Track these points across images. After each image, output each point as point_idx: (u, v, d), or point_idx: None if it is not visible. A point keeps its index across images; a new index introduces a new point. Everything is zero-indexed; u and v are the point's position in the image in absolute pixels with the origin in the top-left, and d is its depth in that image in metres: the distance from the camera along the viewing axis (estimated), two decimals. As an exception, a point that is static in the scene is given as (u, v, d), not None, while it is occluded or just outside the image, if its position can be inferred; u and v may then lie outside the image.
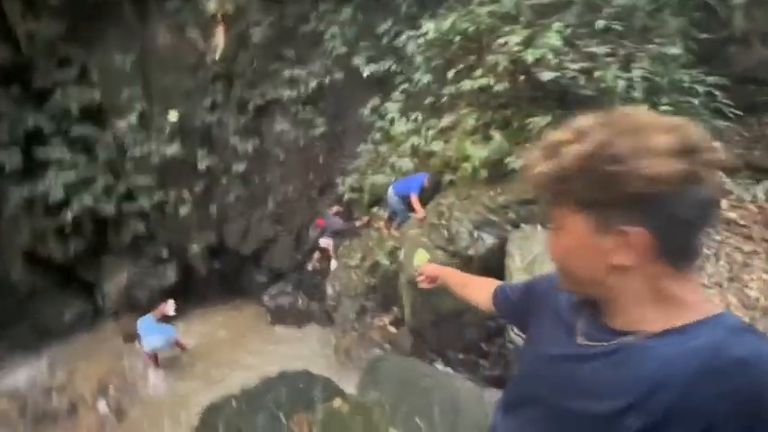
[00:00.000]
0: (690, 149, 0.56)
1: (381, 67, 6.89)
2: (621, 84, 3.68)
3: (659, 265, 0.60)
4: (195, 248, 7.62)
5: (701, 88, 3.82)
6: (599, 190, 0.59)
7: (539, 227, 4.21)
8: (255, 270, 8.42)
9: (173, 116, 7.12)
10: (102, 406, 5.72)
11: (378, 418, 2.27)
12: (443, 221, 4.80)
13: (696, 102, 3.80)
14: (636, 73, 3.71)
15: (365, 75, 6.88)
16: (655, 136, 0.56)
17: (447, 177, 5.21)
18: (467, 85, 4.75)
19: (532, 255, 3.81)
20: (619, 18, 4.05)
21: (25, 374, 6.64)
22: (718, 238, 3.41)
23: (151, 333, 6.21)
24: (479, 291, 1.15)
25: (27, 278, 7.26)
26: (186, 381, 6.16)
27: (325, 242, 7.16)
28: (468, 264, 4.39)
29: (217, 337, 7.21)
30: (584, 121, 0.62)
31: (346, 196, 7.20)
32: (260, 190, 7.84)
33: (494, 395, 2.79)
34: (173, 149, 7.04)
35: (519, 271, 3.79)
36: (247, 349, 6.75)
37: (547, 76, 3.90)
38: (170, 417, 5.38)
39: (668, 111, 3.85)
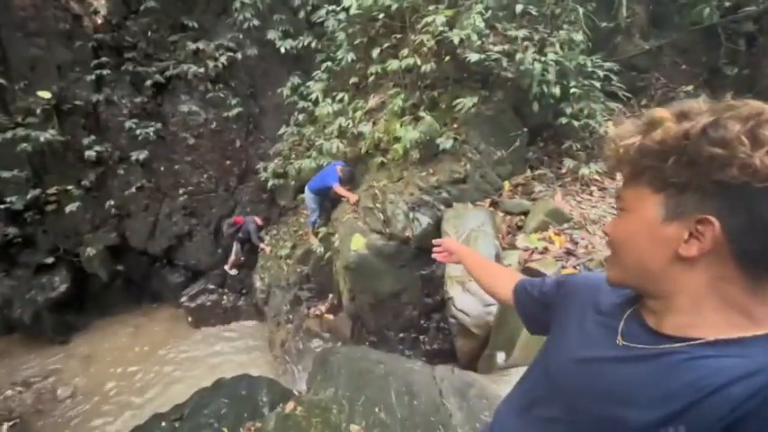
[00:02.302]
0: None
1: (299, 43, 6.47)
2: (538, 67, 3.93)
3: (730, 267, 0.55)
4: (90, 251, 6.52)
5: (601, 72, 4.25)
6: (690, 172, 0.55)
7: (470, 205, 4.39)
8: (169, 270, 7.56)
9: (44, 94, 5.87)
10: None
11: (336, 416, 2.17)
12: (378, 205, 4.76)
13: (598, 85, 4.22)
14: (550, 57, 3.98)
15: (282, 51, 6.40)
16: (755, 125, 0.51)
17: (377, 159, 5.14)
18: (393, 64, 4.67)
19: (466, 232, 3.97)
20: (532, 3, 4.29)
21: None
22: None
23: None
24: (498, 278, 1.10)
25: None
26: (98, 406, 5.34)
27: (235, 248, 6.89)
28: (404, 245, 4.44)
29: (130, 348, 6.35)
30: (693, 103, 0.58)
31: (270, 183, 6.75)
32: (167, 180, 6.96)
33: (443, 372, 2.87)
34: (48, 135, 5.83)
35: (455, 249, 3.92)
36: (170, 359, 6.07)
37: (474, 57, 3.98)
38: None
39: (575, 93, 4.24)
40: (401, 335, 4.86)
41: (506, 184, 4.66)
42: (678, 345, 0.58)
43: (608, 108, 4.74)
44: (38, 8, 5.76)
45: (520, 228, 4.27)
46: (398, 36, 5.01)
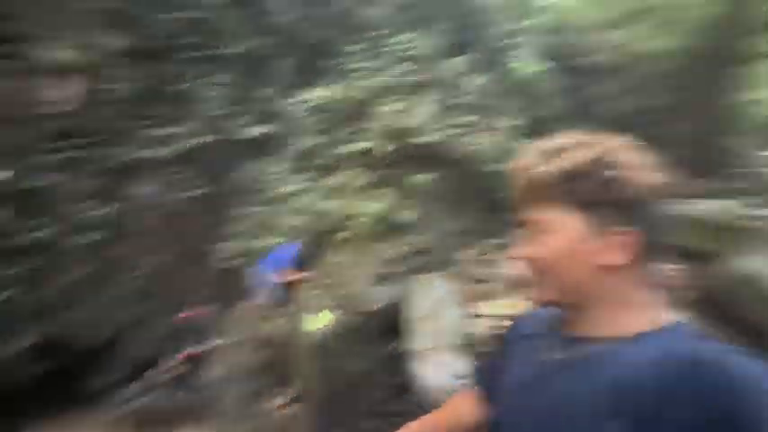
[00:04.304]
0: (658, 170, 0.67)
1: (263, 129, 6.84)
2: (480, 148, 4.38)
3: (637, 268, 0.65)
4: (16, 347, 5.74)
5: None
6: (601, 192, 0.64)
7: (433, 276, 4.44)
8: (109, 364, 6.73)
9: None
10: None
11: None
12: (340, 280, 4.70)
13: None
14: (485, 140, 4.48)
15: (246, 137, 6.73)
16: (633, 154, 0.67)
17: (340, 235, 5.21)
18: (352, 147, 5.03)
19: (431, 302, 3.95)
20: (475, 96, 4.94)
21: None
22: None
23: None
24: (456, 408, 0.99)
25: None
26: None
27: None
28: (371, 318, 4.31)
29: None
30: (577, 135, 0.69)
31: (230, 263, 6.53)
32: (118, 264, 6.56)
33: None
34: (-9, 219, 5.49)
35: (421, 320, 3.86)
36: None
37: (423, 139, 4.40)
38: None
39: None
40: (374, 422, 4.45)
41: (469, 254, 4.82)
42: (601, 345, 0.64)
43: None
44: (7, 95, 5.85)
45: (486, 296, 4.31)
46: (358, 122, 5.49)
